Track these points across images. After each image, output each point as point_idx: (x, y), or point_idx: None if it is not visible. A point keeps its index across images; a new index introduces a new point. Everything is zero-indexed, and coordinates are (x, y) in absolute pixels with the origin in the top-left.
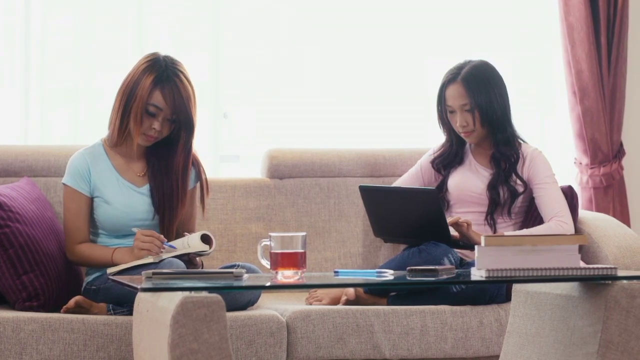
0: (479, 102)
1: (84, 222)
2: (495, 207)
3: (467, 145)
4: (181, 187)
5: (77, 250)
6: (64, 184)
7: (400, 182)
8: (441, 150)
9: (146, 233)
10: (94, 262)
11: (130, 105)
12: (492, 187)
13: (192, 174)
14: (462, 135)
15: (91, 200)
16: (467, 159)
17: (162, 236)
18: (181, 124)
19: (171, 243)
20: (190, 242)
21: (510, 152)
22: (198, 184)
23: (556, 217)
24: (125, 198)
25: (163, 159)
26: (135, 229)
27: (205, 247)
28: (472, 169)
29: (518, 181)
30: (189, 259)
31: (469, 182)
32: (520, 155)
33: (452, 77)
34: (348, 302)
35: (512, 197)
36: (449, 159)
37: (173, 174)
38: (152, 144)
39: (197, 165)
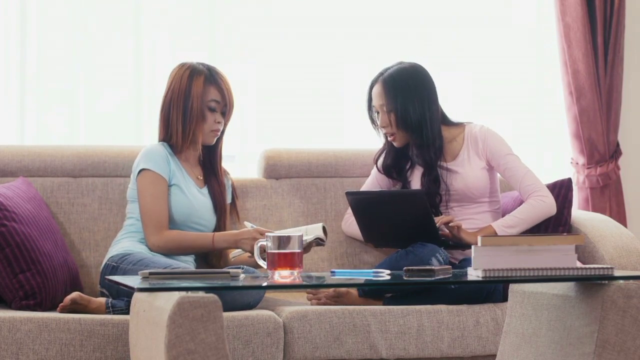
0: (394, 104)
1: (166, 207)
2: (436, 210)
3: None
4: (222, 183)
5: (169, 234)
6: (142, 169)
7: None
8: (380, 152)
9: (262, 232)
10: (189, 244)
11: (189, 109)
12: (431, 184)
13: (228, 187)
14: (388, 138)
15: (168, 187)
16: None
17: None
18: (229, 111)
19: (289, 231)
20: (310, 231)
21: (427, 156)
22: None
23: (534, 194)
24: (195, 195)
25: (212, 165)
26: (247, 223)
27: (323, 236)
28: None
29: (475, 165)
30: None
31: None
32: (466, 137)
33: (376, 78)
34: (344, 301)
35: (448, 183)
36: (391, 160)
37: (217, 171)
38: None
39: (230, 179)
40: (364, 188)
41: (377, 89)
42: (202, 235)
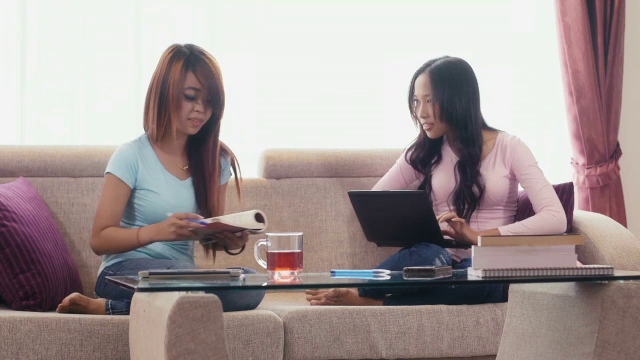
0: (440, 96)
1: (119, 210)
2: (472, 205)
3: (445, 142)
4: (210, 175)
5: (102, 233)
6: (107, 172)
7: (381, 183)
8: (414, 143)
9: (180, 216)
10: (119, 242)
11: (165, 96)
12: (460, 192)
13: (226, 166)
14: (424, 127)
15: (131, 191)
16: (448, 157)
17: (195, 215)
18: (214, 102)
19: (223, 217)
20: (242, 219)
21: (472, 150)
22: (229, 180)
23: (547, 208)
24: (172, 191)
25: (201, 153)
26: (169, 214)
27: (258, 225)
28: (453, 168)
29: (499, 172)
30: (237, 236)
31: (452, 182)
32: (497, 143)
33: (423, 68)
34: (344, 301)
35: (482, 189)
36: (423, 153)
37: (206, 163)
38: (195, 134)
39: (231, 156)
40: (386, 177)
41: (422, 79)
42: (129, 232)
